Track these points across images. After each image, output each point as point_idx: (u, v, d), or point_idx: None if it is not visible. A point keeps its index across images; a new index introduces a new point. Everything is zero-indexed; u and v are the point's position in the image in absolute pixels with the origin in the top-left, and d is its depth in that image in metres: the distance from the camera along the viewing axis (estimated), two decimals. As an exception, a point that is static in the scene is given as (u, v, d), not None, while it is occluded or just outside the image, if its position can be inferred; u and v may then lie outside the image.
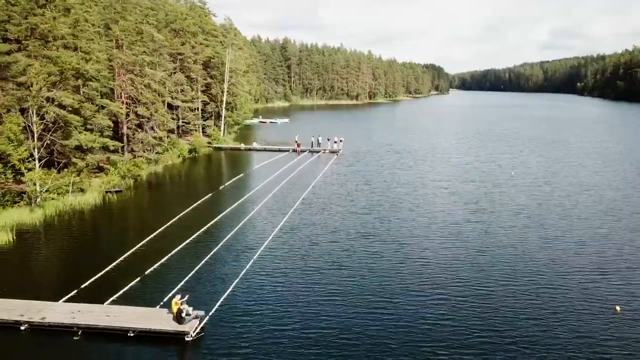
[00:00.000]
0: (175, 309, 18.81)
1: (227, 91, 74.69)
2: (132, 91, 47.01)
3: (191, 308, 19.01)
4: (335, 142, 67.30)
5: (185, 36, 63.55)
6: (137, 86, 47.22)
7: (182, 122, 65.91)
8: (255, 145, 68.35)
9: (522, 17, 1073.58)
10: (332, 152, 65.67)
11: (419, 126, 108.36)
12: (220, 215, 35.27)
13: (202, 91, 73.12)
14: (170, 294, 21.14)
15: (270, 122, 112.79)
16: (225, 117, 75.06)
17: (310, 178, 49.53)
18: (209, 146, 67.07)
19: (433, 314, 20.73)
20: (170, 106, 62.69)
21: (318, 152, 65.60)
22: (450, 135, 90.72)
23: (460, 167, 56.59)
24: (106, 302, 20.61)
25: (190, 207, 36.96)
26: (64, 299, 20.83)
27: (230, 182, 47.10)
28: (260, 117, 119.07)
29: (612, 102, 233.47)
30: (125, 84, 47.31)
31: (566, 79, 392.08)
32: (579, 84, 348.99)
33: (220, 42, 73.43)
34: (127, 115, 48.23)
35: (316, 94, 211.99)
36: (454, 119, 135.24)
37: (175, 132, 65.53)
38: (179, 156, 57.91)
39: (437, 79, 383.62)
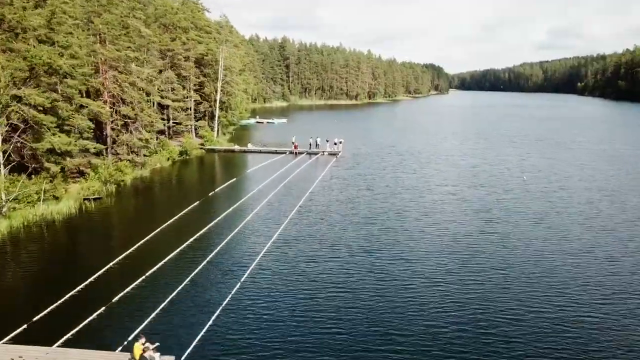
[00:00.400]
0: (137, 354, 15.19)
1: (221, 90, 71.03)
2: (116, 89, 43.34)
3: (158, 354, 15.38)
4: (334, 143, 63.66)
5: (175, 32, 59.89)
6: (121, 84, 43.55)
7: (173, 122, 62.23)
8: (250, 147, 64.68)
9: (521, 17, 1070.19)
10: (332, 154, 62.05)
11: (421, 126, 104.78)
12: (208, 226, 31.64)
13: (195, 90, 69.52)
14: (134, 333, 17.44)
15: (267, 122, 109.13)
16: (219, 117, 71.38)
17: (308, 183, 45.92)
18: (201, 148, 63.40)
19: (450, 341, 17.16)
20: (160, 106, 59.06)
21: (316, 154, 61.97)
22: (453, 135, 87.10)
23: (468, 171, 52.98)
24: (57, 343, 16.95)
25: (176, 217, 33.31)
26: (6, 338, 17.16)
27: (221, 187, 43.45)
28: (258, 117, 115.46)
29: (614, 102, 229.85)
30: (108, 81, 43.63)
31: (566, 79, 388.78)
32: (579, 84, 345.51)
33: (214, 38, 69.72)
34: (111, 115, 44.56)
35: (315, 93, 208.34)
36: (456, 119, 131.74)
37: (166, 133, 61.90)
38: (168, 159, 54.24)
39: (437, 79, 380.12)
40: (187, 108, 66.17)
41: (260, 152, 63.72)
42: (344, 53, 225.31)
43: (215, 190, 42.05)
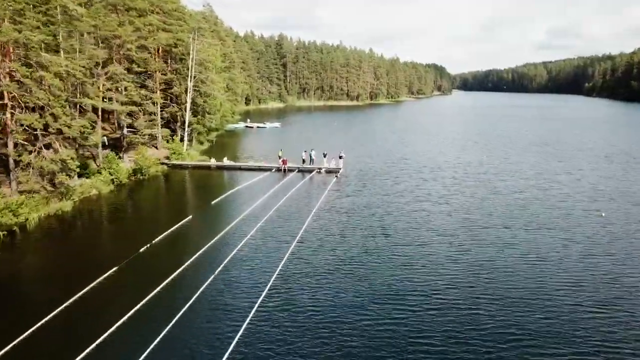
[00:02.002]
0: None
1: (194, 90, 56.84)
2: (12, 88, 29.17)
3: None
4: (334, 158, 49.52)
5: (127, 14, 45.68)
6: (21, 80, 29.40)
7: (128, 131, 48.01)
8: (226, 162, 50.43)
9: (520, 16, 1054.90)
10: (330, 171, 47.95)
11: (432, 132, 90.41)
12: (133, 310, 17.71)
13: (163, 90, 55.37)
14: None
15: (258, 126, 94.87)
16: (190, 124, 57.17)
17: (297, 219, 31.98)
18: (165, 164, 49.26)
19: None
20: (108, 111, 44.92)
21: (311, 171, 47.86)
22: (475, 145, 72.83)
23: (511, 199, 38.71)
24: None
25: (81, 292, 19.27)
26: None
27: (170, 230, 29.24)
28: (249, 120, 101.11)
29: (626, 103, 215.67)
30: (2, 75, 29.47)
31: (571, 79, 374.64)
32: (586, 84, 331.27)
33: (189, 27, 55.33)
34: (11, 125, 30.40)
35: (314, 94, 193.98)
36: (468, 122, 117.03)
37: (121, 144, 47.77)
38: (112, 182, 40.07)
39: (440, 79, 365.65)
40: (150, 112, 52.00)
41: (240, 168, 49.54)
42: (345, 51, 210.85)
43: (160, 237, 27.88)
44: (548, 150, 66.76)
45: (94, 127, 40.03)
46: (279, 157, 49.18)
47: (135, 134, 48.22)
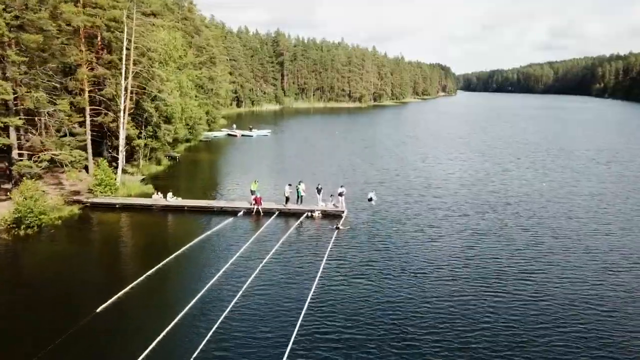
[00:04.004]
0: None
1: (139, 90, 39.91)
2: None
3: None
4: (331, 195, 32.42)
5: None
6: None
7: (19, 154, 31.05)
8: (171, 199, 33.26)
9: (520, 16, 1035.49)
10: (326, 215, 30.96)
11: (454, 140, 72.98)
12: None
13: (92, 92, 38.43)
14: None
15: (243, 134, 77.81)
16: (129, 139, 40.28)
17: (277, 333, 14.95)
18: (79, 202, 32.37)
19: None
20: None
21: (298, 215, 30.87)
22: (513, 160, 55.50)
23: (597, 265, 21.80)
24: None
25: None
26: None
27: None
28: (234, 126, 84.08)
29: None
30: None
31: (579, 80, 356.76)
32: (597, 85, 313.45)
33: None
34: None
35: (313, 95, 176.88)
36: (489, 128, 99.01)
37: (9, 174, 30.89)
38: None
39: (445, 80, 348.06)
40: (75, 124, 35.09)
41: (190, 210, 32.46)
42: (347, 49, 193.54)
43: None
44: (621, 171, 49.54)
45: None
46: (252, 192, 32.20)
47: (36, 155, 31.11)
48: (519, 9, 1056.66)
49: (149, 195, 35.06)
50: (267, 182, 40.92)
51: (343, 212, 31.00)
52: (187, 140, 63.07)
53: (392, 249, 25.41)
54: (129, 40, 37.51)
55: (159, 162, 48.52)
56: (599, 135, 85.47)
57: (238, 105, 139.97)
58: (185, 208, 32.25)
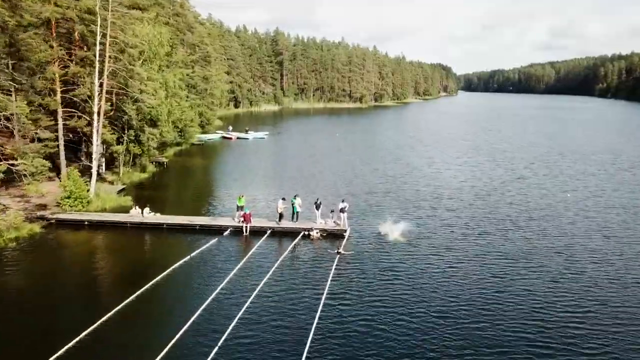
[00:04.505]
0: None
1: (120, 91, 35.59)
2: None
3: None
4: (332, 210, 28.05)
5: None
6: None
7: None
8: (148, 214, 28.92)
9: (520, 16, 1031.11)
10: (326, 234, 26.66)
11: (461, 142, 68.60)
12: None
13: (63, 92, 34.15)
14: None
15: (239, 137, 73.53)
16: (107, 144, 36.00)
17: None
18: (43, 218, 28.11)
19: None
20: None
21: (294, 234, 26.56)
22: (520, 164, 51.17)
23: None
24: None
25: None
26: None
27: None
28: (230, 128, 79.83)
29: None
30: None
31: (581, 80, 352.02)
32: (600, 85, 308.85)
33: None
34: None
35: (313, 95, 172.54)
36: (495, 130, 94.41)
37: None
38: None
39: (446, 80, 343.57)
40: (43, 128, 30.81)
41: (172, 227, 28.11)
42: (347, 49, 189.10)
43: None
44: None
45: None
46: (238, 208, 27.90)
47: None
48: (519, 9, 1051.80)
49: (127, 210, 30.78)
50: (260, 192, 36.69)
51: (345, 230, 26.68)
52: (178, 144, 58.84)
53: (404, 280, 21.12)
54: (104, 35, 33.19)
55: (143, 169, 44.23)
56: (611, 137, 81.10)
57: (236, 106, 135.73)
58: (164, 226, 27.94)
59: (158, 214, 29.10)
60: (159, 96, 41.22)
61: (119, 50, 33.99)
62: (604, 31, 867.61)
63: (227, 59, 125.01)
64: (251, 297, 19.12)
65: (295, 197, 27.77)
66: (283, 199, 27.72)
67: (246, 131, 76.11)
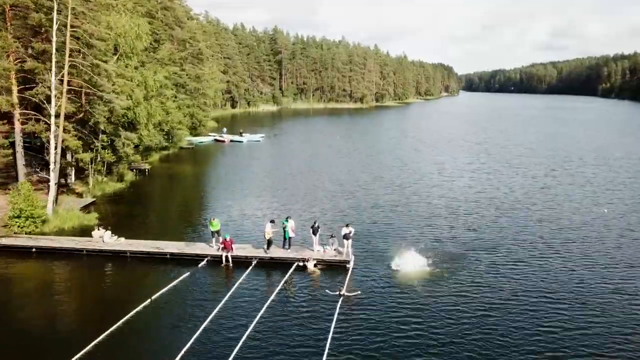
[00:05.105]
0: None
1: (82, 90, 30.46)
2: None
3: None
4: (332, 235, 22.90)
5: None
6: None
7: None
8: (107, 238, 23.73)
9: (521, 16, 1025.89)
10: (325, 265, 21.56)
11: (471, 145, 63.40)
12: None
13: (21, 91, 29.10)
14: None
15: (232, 140, 68.43)
16: (71, 151, 30.92)
17: None
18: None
19: None
20: None
21: (288, 265, 21.43)
22: (539, 170, 46.06)
23: None
24: None
25: None
26: None
27: None
28: (224, 129, 74.83)
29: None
30: None
31: (583, 80, 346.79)
32: (603, 85, 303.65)
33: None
34: None
35: (312, 95, 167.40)
36: (505, 131, 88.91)
37: None
38: None
39: (447, 80, 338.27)
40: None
41: (137, 256, 22.93)
42: (348, 48, 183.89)
43: None
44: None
45: None
46: (213, 234, 22.75)
47: None
48: (519, 9, 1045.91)
49: (90, 231, 25.68)
50: (249, 208, 31.61)
51: (348, 261, 21.57)
52: (164, 148, 53.76)
53: (425, 333, 16.02)
54: (65, 25, 28.08)
55: (121, 178, 39.12)
56: (629, 139, 75.85)
57: (233, 106, 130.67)
58: (128, 254, 22.82)
59: (122, 239, 23.97)
60: (136, 96, 36.15)
61: (84, 43, 28.86)
62: (604, 31, 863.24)
63: (224, 57, 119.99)
64: (231, 356, 14.19)
65: (287, 219, 22.62)
66: (272, 221, 22.57)
67: (240, 133, 70.99)
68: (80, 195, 33.82)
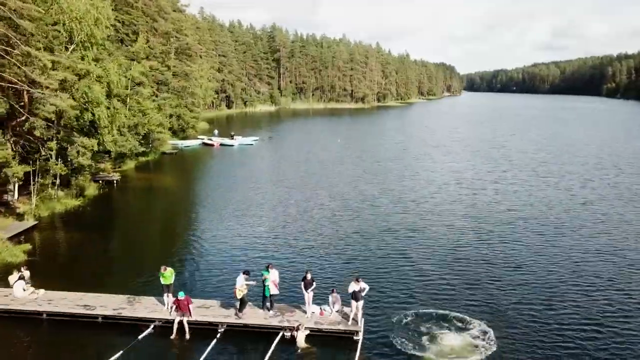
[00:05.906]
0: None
1: (20, 87, 23.71)
2: None
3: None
4: (332, 290, 16.01)
5: None
6: None
7: None
8: (19, 291, 16.92)
9: (521, 16, 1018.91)
10: (321, 336, 14.74)
11: (487, 150, 56.64)
12: None
13: None
14: None
15: (222, 143, 61.57)
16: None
17: None
18: None
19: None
20: None
21: (268, 336, 14.65)
22: (569, 180, 39.31)
23: None
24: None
25: None
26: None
27: None
28: (216, 131, 68.21)
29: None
30: None
31: (586, 79, 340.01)
32: (608, 84, 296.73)
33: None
34: None
35: (312, 95, 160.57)
36: (519, 134, 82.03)
37: None
38: None
39: (449, 79, 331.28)
40: None
41: (57, 318, 16.17)
42: (349, 46, 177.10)
43: None
44: None
45: None
46: (164, 289, 15.89)
47: None
48: (519, 9, 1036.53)
49: (7, 274, 18.85)
50: (222, 240, 24.70)
51: (358, 332, 14.76)
52: (143, 154, 46.96)
53: None
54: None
55: (81, 192, 32.39)
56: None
57: (228, 107, 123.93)
58: (44, 316, 16.01)
59: (41, 291, 17.14)
60: (94, 94, 29.38)
61: (7, 25, 22.06)
62: (605, 31, 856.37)
63: (219, 55, 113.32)
64: None
65: (267, 268, 15.75)
66: (246, 272, 15.67)
67: (232, 136, 64.15)
68: (20, 216, 27.08)
